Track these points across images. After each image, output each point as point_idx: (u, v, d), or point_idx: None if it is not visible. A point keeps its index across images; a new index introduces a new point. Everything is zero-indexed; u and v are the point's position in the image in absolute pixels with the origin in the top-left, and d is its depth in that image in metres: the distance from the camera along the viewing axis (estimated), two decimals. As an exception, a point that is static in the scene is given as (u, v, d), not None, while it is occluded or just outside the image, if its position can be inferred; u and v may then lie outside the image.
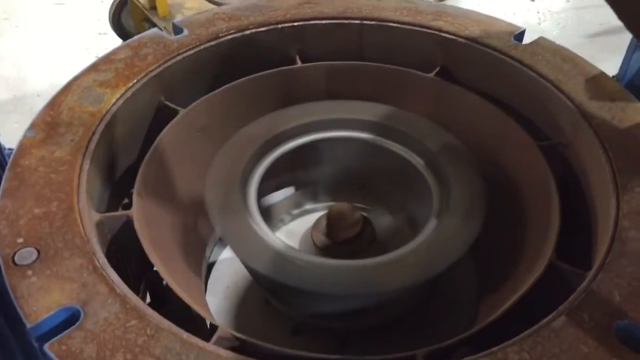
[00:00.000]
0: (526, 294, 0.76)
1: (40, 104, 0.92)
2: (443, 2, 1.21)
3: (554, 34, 3.00)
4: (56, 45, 2.90)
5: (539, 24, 3.14)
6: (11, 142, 0.87)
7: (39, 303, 0.67)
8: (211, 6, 2.18)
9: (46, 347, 0.63)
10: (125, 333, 0.65)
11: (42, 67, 2.77)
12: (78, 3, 3.17)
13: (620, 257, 0.74)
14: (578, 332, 0.66)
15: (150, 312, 0.68)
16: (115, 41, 2.56)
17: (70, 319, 0.66)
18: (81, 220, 0.76)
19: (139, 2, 2.52)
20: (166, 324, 0.67)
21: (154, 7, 2.46)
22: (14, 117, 2.50)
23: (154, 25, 2.40)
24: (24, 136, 0.86)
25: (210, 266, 1.06)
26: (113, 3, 2.66)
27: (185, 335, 0.66)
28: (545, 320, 0.68)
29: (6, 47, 2.90)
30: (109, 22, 2.69)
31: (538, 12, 3.23)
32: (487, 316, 0.77)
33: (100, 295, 0.68)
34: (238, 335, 0.72)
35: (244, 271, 1.00)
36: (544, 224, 0.87)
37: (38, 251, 0.72)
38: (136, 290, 0.95)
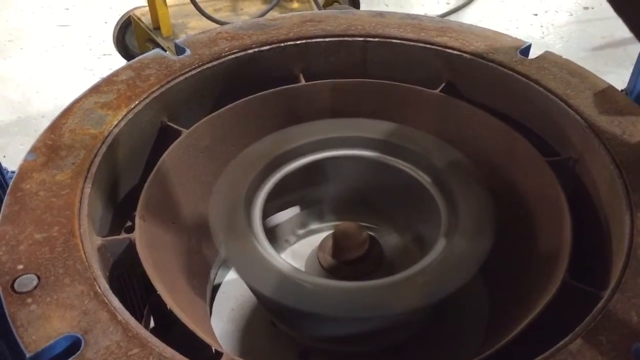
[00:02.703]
0: (540, 315, 0.74)
1: (45, 125, 0.91)
2: (446, 18, 1.20)
3: (557, 48, 2.99)
4: (61, 66, 2.91)
5: (543, 38, 3.13)
6: (16, 164, 0.86)
7: (39, 332, 0.65)
8: (215, 26, 2.18)
9: (46, 377, 0.62)
10: (127, 362, 0.63)
11: (46, 88, 2.77)
12: (82, 24, 3.18)
13: (637, 275, 0.72)
14: (595, 355, 0.64)
15: (153, 339, 0.66)
16: (120, 62, 2.56)
17: (71, 347, 0.65)
18: (82, 245, 0.75)
19: (143, 22, 2.53)
20: (169, 352, 0.65)
21: (157, 28, 2.47)
22: (19, 139, 2.49)
23: (158, 45, 2.40)
24: (25, 160, 0.85)
25: (216, 288, 1.04)
26: (117, 24, 2.67)
27: (189, 363, 0.64)
28: (561, 343, 0.66)
29: (11, 68, 2.91)
30: (113, 43, 2.70)
31: (541, 26, 3.23)
32: (499, 339, 0.75)
33: (102, 323, 0.66)
34: (244, 361, 0.70)
35: (249, 293, 0.99)
36: (555, 242, 0.85)
37: (38, 278, 0.71)
38: (140, 314, 0.94)
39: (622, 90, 1.03)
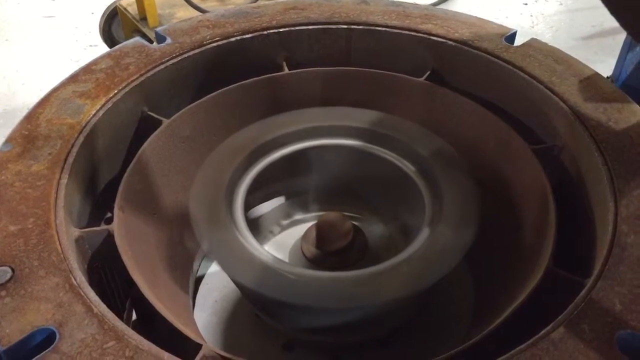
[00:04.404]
0: (523, 303, 0.73)
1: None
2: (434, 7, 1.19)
3: (547, 37, 2.98)
4: (46, 58, 2.87)
5: (532, 27, 3.11)
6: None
7: (13, 325, 0.64)
8: (200, 15, 2.15)
9: (19, 371, 0.61)
10: (102, 355, 0.62)
11: (32, 80, 2.73)
12: (68, 15, 3.14)
13: (620, 263, 0.71)
14: (578, 343, 0.63)
15: (129, 332, 0.65)
16: (106, 53, 2.52)
17: (45, 341, 0.64)
18: (58, 237, 0.73)
19: (129, 13, 2.50)
20: (146, 344, 0.64)
21: (144, 18, 2.44)
22: (4, 132, 2.45)
23: (144, 36, 2.37)
24: (0, 150, 0.83)
25: (199, 280, 1.03)
26: (103, 15, 2.64)
27: (166, 356, 0.63)
28: (543, 331, 0.65)
29: (-4, 60, 2.88)
30: (100, 34, 2.67)
31: (531, 16, 3.21)
32: (484, 327, 0.74)
33: (77, 316, 0.65)
34: (223, 353, 0.69)
35: (233, 285, 0.97)
36: (540, 230, 0.84)
37: (12, 270, 0.69)
38: (122, 307, 0.93)
39: (607, 78, 1.02)
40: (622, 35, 1.44)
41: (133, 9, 2.48)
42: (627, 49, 1.33)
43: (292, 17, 1.10)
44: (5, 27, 3.08)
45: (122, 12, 2.54)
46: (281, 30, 1.09)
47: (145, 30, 2.42)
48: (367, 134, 0.99)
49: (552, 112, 0.95)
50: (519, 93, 1.00)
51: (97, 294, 0.69)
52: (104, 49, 2.68)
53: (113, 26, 2.67)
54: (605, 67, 1.38)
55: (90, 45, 2.94)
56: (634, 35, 0.79)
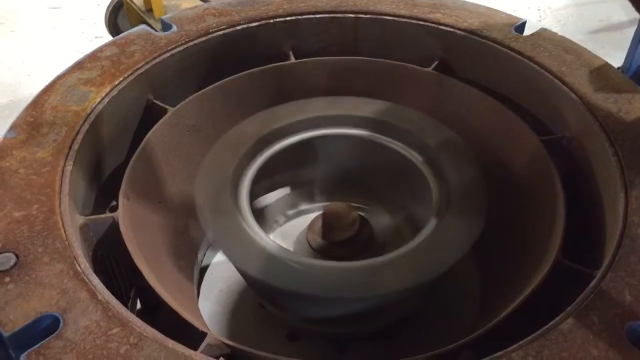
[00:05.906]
0: (532, 295, 0.73)
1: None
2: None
3: (554, 31, 2.96)
4: (52, 49, 2.87)
5: (540, 21, 3.10)
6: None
7: (17, 311, 0.64)
8: (206, 6, 2.14)
9: (23, 357, 0.60)
10: (106, 342, 0.61)
11: (38, 71, 2.73)
12: (74, 7, 3.14)
13: (630, 254, 0.70)
14: (587, 334, 0.63)
15: (133, 319, 0.64)
16: (111, 44, 2.52)
17: (50, 327, 0.63)
18: (63, 224, 0.73)
19: (135, 4, 2.49)
20: (150, 331, 0.63)
21: (150, 9, 2.43)
22: (10, 122, 2.46)
23: (150, 27, 2.37)
24: (5, 137, 0.83)
25: (204, 270, 1.03)
26: (109, 6, 2.63)
27: (170, 343, 0.62)
28: (552, 322, 0.64)
29: (1, 52, 2.88)
30: (105, 25, 2.66)
31: (538, 10, 3.20)
32: (491, 319, 0.74)
33: (81, 302, 0.65)
34: (228, 342, 0.69)
35: (238, 275, 0.97)
36: (549, 221, 0.83)
37: (17, 256, 0.69)
38: (127, 296, 0.92)
39: (618, 68, 1.01)
40: (631, 30, 1.43)
41: (139, 0, 2.47)
42: (638, 39, 1.32)
43: (299, 6, 1.10)
44: (11, 19, 3.09)
45: (127, 4, 2.53)
46: (288, 18, 1.08)
47: (151, 21, 2.41)
48: (374, 123, 0.98)
49: (562, 103, 0.94)
50: (528, 83, 0.99)
51: (101, 282, 0.69)
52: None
53: (119, 18, 2.66)
54: (613, 60, 1.36)
55: (96, 37, 2.94)
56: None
